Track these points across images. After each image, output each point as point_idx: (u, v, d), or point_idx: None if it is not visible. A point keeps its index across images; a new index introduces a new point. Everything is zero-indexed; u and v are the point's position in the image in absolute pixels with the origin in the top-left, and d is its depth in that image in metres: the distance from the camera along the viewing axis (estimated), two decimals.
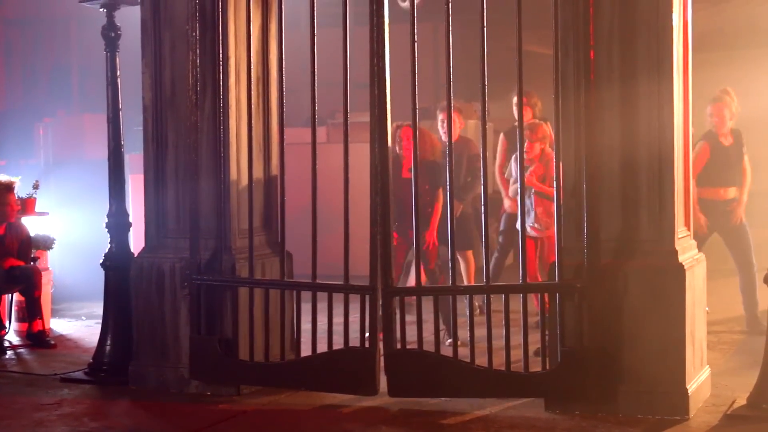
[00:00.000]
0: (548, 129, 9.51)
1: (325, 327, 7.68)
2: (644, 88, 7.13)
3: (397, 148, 9.75)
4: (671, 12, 7.11)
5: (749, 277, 10.12)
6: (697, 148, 9.97)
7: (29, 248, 10.60)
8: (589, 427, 6.99)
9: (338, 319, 7.65)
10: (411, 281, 9.69)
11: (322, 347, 7.75)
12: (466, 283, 10.50)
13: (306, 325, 7.84)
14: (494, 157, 10.81)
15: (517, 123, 10.53)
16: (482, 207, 7.43)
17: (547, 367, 7.25)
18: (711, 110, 10.18)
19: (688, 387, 7.08)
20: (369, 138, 7.48)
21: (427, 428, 7.19)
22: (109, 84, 8.76)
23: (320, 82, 7.73)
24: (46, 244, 11.12)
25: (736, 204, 10.15)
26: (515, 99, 10.29)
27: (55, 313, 11.66)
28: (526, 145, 9.17)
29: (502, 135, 10.96)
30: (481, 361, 7.35)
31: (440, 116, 10.25)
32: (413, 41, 7.43)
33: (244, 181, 8.01)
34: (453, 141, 7.70)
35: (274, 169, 8.28)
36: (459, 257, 10.00)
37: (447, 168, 7.54)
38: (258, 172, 8.15)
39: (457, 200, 9.53)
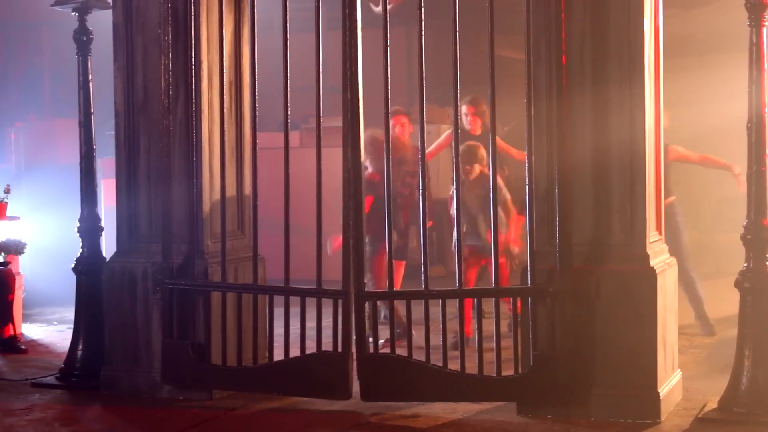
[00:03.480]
0: (483, 151, 9.67)
1: (298, 331, 7.68)
2: (616, 93, 7.15)
3: (397, 130, 9.98)
4: (642, 16, 7.14)
5: (682, 276, 10.05)
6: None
7: None
8: (561, 430, 7.00)
9: (311, 324, 7.65)
10: None
11: (295, 352, 7.73)
12: None
13: (279, 330, 7.83)
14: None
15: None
16: (456, 211, 7.47)
17: (520, 371, 7.27)
18: None
19: (659, 391, 7.11)
20: (342, 142, 7.49)
21: None
22: (81, 88, 8.74)
23: (293, 87, 7.72)
24: (17, 248, 11.05)
25: None
26: (464, 108, 10.20)
27: (26, 318, 11.60)
28: (465, 167, 9.50)
29: (448, 132, 10.35)
30: (454, 364, 7.37)
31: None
32: (386, 46, 7.44)
33: (217, 185, 8.00)
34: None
35: (247, 173, 8.26)
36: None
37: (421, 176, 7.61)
38: (231, 177, 8.14)
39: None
